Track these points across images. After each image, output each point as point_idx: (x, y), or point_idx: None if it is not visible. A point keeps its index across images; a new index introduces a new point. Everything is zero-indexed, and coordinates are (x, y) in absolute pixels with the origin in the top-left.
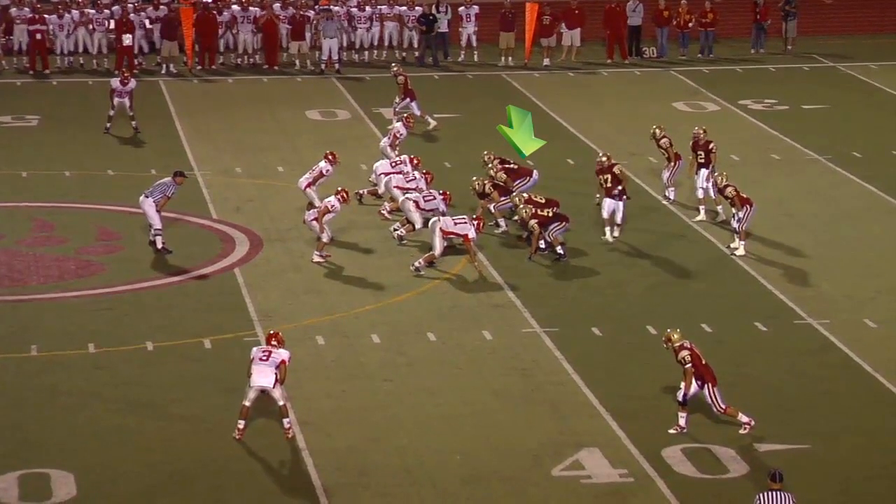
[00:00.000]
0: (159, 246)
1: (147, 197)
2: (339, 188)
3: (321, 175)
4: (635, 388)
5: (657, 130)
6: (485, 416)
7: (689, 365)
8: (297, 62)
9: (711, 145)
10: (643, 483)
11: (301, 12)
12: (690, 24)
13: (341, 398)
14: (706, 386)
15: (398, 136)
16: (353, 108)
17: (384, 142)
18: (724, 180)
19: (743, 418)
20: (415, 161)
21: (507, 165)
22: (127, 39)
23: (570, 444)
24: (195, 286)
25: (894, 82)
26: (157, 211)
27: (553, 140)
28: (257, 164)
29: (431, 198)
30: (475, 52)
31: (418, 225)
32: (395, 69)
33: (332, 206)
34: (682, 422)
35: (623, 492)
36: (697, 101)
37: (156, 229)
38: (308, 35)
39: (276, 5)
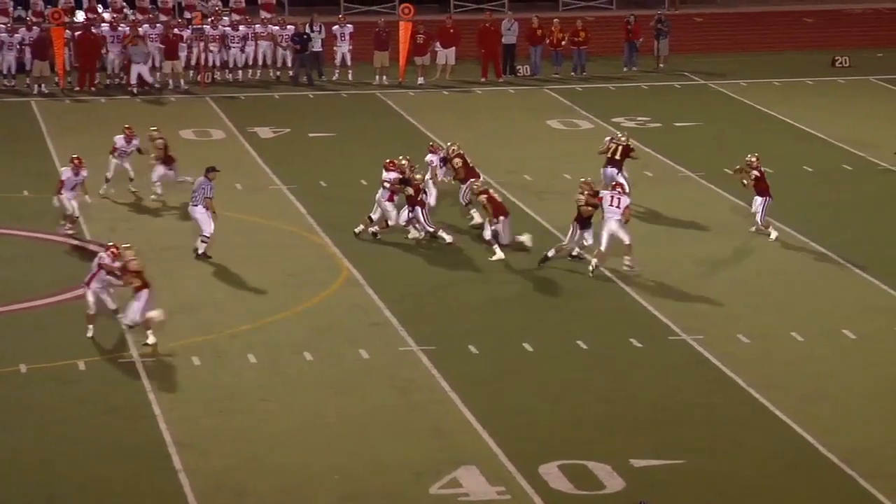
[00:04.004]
0: (200, 251)
1: (195, 205)
2: (110, 243)
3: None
4: (512, 405)
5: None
6: (363, 435)
7: None
8: (171, 82)
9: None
10: (520, 500)
11: (174, 31)
12: (563, 43)
13: (218, 419)
14: None
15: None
16: (228, 127)
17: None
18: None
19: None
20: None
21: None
22: None
23: (448, 461)
24: (69, 307)
25: (764, 99)
26: (212, 212)
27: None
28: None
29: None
30: (349, 71)
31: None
32: (153, 132)
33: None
34: None
35: None
36: (571, 119)
37: (203, 236)
38: (182, 55)
39: (145, 25)
